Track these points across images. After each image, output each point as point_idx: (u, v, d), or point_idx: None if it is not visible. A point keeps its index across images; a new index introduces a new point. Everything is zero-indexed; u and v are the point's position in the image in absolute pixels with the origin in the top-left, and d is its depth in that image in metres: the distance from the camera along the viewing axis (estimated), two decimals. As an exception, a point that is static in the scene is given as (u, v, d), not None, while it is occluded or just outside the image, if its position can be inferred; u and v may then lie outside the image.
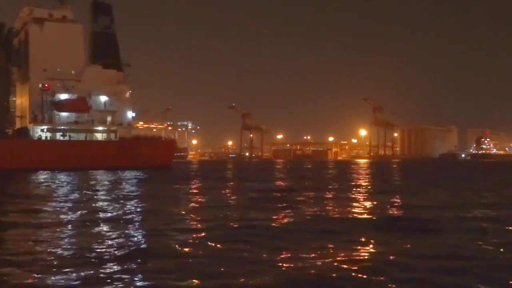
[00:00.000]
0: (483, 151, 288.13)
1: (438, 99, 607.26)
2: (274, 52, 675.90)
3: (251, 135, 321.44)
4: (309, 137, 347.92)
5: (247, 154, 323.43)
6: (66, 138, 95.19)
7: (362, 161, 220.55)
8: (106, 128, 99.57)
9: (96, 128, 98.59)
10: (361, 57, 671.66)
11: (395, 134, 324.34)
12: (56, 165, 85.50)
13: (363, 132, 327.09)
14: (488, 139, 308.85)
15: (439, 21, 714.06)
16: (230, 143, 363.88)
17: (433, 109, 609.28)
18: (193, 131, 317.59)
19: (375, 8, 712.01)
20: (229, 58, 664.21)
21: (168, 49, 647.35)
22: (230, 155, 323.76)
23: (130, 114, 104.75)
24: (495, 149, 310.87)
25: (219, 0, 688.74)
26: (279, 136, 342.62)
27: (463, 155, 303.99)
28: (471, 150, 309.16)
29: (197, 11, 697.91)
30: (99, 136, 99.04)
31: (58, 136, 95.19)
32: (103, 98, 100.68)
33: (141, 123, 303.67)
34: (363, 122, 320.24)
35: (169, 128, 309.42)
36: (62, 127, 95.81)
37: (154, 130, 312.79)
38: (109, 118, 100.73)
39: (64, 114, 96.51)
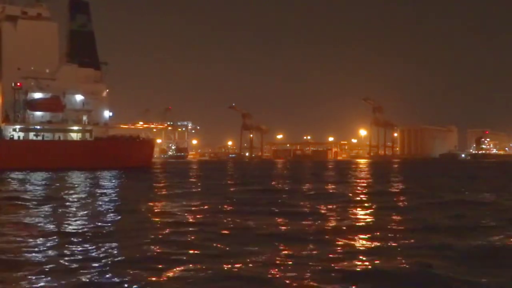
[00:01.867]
0: (483, 151, 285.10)
1: (438, 99, 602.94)
2: (274, 52, 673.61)
3: (251, 135, 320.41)
4: (309, 137, 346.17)
5: (247, 154, 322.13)
6: (40, 138, 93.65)
7: (362, 161, 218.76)
8: (80, 128, 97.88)
9: (71, 127, 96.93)
10: (361, 57, 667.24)
11: (395, 134, 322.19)
12: (29, 165, 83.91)
13: (363, 132, 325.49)
14: (488, 139, 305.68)
15: (439, 21, 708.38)
16: (230, 143, 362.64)
17: (433, 109, 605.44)
18: (193, 131, 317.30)
19: (375, 8, 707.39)
20: (229, 58, 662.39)
21: (168, 49, 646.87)
22: (230, 155, 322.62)
23: (107, 114, 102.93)
24: (495, 149, 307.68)
25: (219, 0, 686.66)
26: (279, 136, 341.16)
27: (463, 155, 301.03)
28: (471, 150, 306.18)
29: (197, 11, 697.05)
30: (74, 136, 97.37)
31: (31, 136, 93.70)
32: (79, 97, 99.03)
33: (141, 123, 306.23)
34: (363, 122, 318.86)
35: (169, 128, 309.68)
36: (36, 127, 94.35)
37: (155, 130, 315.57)
38: (84, 118, 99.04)
39: (38, 113, 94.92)
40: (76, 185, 48.64)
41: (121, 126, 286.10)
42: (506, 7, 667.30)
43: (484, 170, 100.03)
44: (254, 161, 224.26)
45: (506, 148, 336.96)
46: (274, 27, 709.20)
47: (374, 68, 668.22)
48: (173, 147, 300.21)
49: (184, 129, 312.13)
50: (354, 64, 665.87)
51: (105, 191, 41.99)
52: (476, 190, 43.65)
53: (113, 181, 57.13)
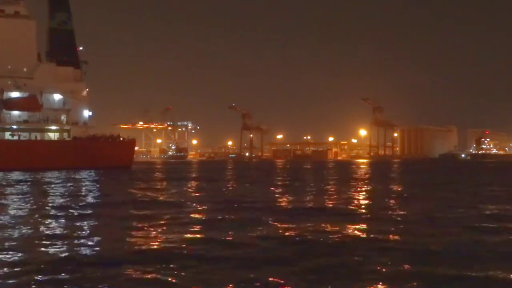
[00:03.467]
0: (483, 151, 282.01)
1: (438, 99, 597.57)
2: (274, 52, 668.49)
3: (251, 135, 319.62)
4: (309, 137, 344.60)
5: (247, 154, 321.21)
6: (16, 137, 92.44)
7: (362, 161, 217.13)
8: (58, 127, 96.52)
9: (48, 127, 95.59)
10: (361, 57, 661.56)
11: (395, 134, 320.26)
12: (5, 165, 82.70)
13: (363, 132, 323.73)
14: (488, 139, 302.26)
15: (439, 21, 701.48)
16: (230, 143, 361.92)
17: (433, 109, 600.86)
18: (193, 131, 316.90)
19: (375, 8, 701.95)
20: (229, 58, 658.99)
21: (168, 49, 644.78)
22: (230, 155, 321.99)
23: (87, 113, 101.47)
24: (495, 149, 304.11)
25: (219, 0, 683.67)
26: (279, 136, 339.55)
27: (463, 155, 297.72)
28: (471, 150, 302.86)
29: (197, 11, 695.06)
30: (51, 136, 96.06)
31: (7, 135, 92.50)
32: (57, 96, 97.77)
33: (141, 123, 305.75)
34: (363, 122, 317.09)
35: (169, 128, 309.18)
36: (12, 126, 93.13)
37: (155, 130, 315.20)
38: (63, 117, 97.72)
39: (14, 113, 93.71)
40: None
41: (121, 126, 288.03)
42: (507, 7, 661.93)
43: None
44: (254, 161, 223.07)
45: (506, 148, 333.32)
46: (274, 27, 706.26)
47: (374, 68, 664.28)
48: (173, 147, 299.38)
49: (184, 129, 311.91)
50: (354, 64, 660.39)
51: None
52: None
53: (80, 181, 55.57)
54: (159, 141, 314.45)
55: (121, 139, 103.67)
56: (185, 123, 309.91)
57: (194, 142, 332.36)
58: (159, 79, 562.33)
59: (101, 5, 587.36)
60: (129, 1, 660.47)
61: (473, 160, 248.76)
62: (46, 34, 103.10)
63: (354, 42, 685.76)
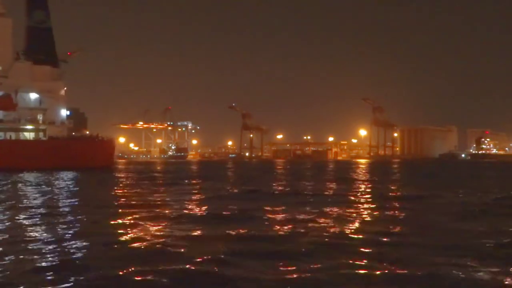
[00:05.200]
0: (483, 151, 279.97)
1: (438, 99, 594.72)
2: (274, 52, 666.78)
3: (251, 135, 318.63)
4: (309, 137, 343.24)
5: (247, 154, 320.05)
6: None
7: (362, 161, 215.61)
8: (33, 127, 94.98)
9: (23, 126, 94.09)
10: (361, 57, 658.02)
11: (395, 134, 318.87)
12: None
13: (363, 132, 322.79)
14: (488, 139, 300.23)
15: (438, 21, 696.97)
16: (230, 143, 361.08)
17: (433, 109, 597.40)
18: (193, 131, 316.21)
19: (375, 8, 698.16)
20: (229, 58, 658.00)
21: (168, 49, 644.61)
22: (230, 155, 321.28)
23: (64, 112, 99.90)
24: (495, 149, 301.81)
25: (219, 0, 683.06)
26: (279, 136, 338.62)
27: (463, 155, 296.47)
28: (471, 150, 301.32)
29: (197, 11, 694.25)
30: (27, 135, 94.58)
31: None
32: (33, 95, 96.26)
33: (141, 123, 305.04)
34: (363, 122, 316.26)
35: (169, 128, 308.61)
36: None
37: (155, 130, 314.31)
38: (39, 116, 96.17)
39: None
40: None
41: (122, 126, 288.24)
42: (506, 7, 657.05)
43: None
44: (254, 161, 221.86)
45: (506, 148, 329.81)
46: (274, 27, 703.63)
47: (374, 68, 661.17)
48: (173, 147, 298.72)
49: (184, 129, 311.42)
50: (354, 64, 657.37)
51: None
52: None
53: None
54: (159, 141, 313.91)
55: (101, 138, 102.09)
56: (185, 123, 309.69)
57: (194, 142, 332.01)
58: (159, 79, 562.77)
59: (102, 6, 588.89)
60: (130, 0, 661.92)
61: (473, 160, 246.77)
62: (24, 32, 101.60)
63: (354, 42, 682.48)
